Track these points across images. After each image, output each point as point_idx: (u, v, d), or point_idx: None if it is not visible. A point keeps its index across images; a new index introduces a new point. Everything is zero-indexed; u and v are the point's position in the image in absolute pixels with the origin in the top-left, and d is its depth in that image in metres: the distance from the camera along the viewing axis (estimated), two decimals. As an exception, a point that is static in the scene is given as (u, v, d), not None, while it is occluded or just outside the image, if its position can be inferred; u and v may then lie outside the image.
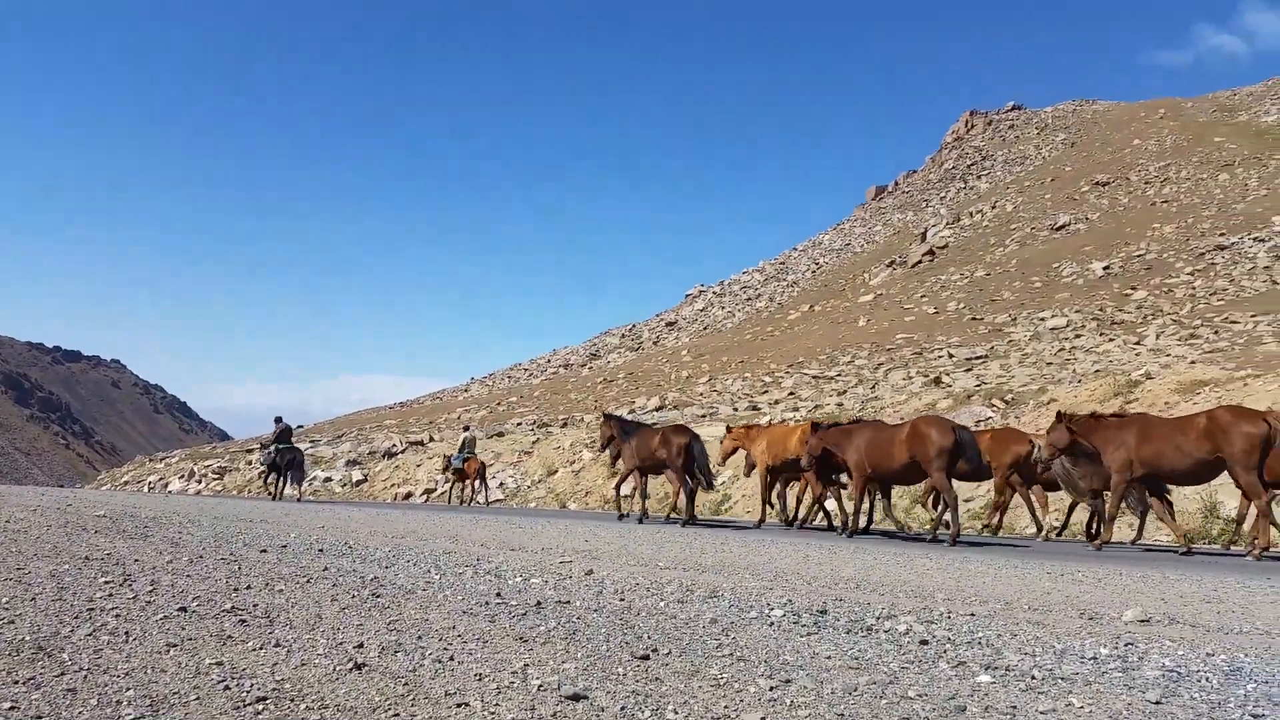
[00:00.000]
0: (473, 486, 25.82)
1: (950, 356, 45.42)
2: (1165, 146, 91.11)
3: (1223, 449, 10.61)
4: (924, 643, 4.85)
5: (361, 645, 4.42)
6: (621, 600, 6.10)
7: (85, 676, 3.65)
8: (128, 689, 3.51)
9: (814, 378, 47.87)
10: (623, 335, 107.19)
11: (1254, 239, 56.73)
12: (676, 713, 3.47)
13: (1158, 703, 3.69)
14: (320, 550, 8.99)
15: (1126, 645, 4.74)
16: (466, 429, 30.88)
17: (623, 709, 3.51)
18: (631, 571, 7.74)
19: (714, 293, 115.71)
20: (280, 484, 26.64)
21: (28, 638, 4.25)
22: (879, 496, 14.99)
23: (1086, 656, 4.51)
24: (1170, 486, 12.30)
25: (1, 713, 3.19)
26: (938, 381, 37.52)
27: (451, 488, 26.93)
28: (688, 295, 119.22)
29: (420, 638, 4.66)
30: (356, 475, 36.00)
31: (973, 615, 5.70)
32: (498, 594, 6.16)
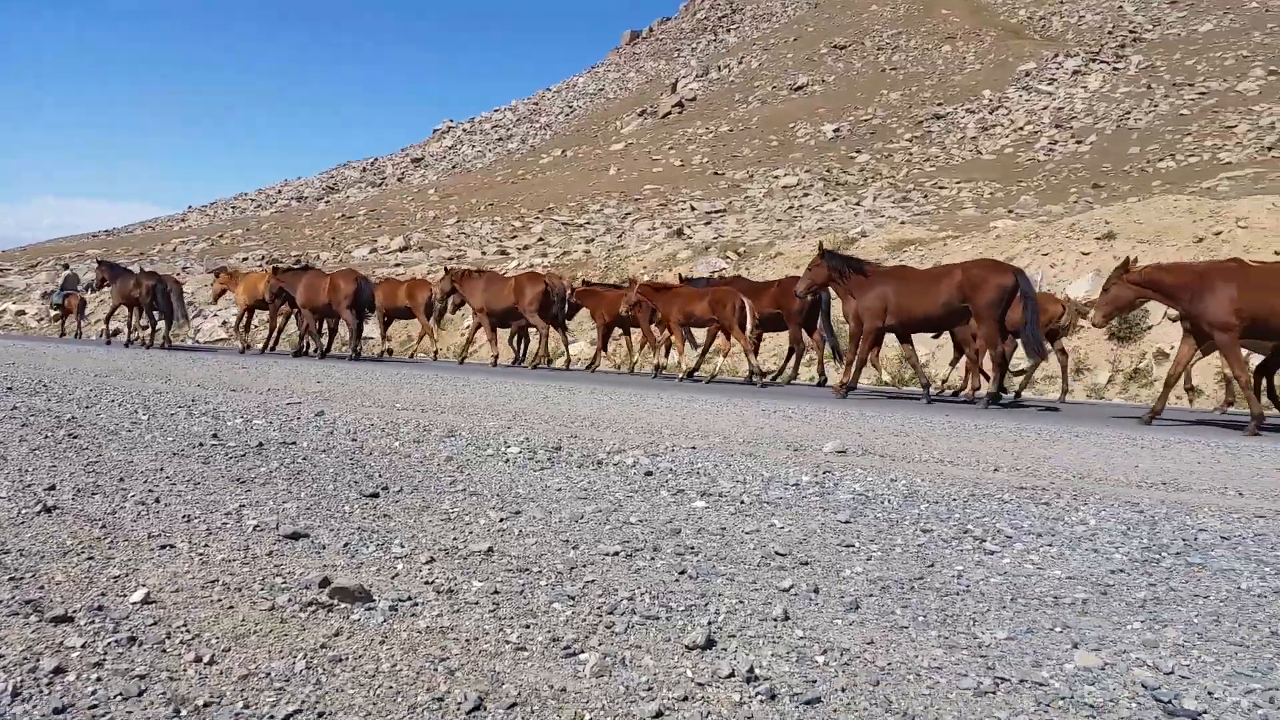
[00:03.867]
0: (77, 321, 27.85)
1: (693, 210, 46.98)
2: (899, 14, 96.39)
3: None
4: (649, 474, 5.11)
5: (53, 488, 4.01)
6: (353, 441, 5.94)
7: None
8: None
9: (564, 224, 47.95)
10: (364, 169, 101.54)
11: (966, 110, 62.19)
12: (403, 546, 3.45)
13: (847, 522, 4.13)
14: (9, 389, 8.01)
15: (825, 473, 5.25)
16: (66, 267, 33.07)
17: (345, 545, 3.44)
18: (367, 413, 7.54)
19: (464, 130, 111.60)
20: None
21: None
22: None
23: (790, 483, 4.95)
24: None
25: None
26: (680, 233, 38.80)
27: (63, 323, 28.42)
28: (436, 131, 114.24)
29: (122, 479, 4.29)
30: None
31: (694, 449, 6.07)
32: (214, 435, 5.79)
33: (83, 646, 2.33)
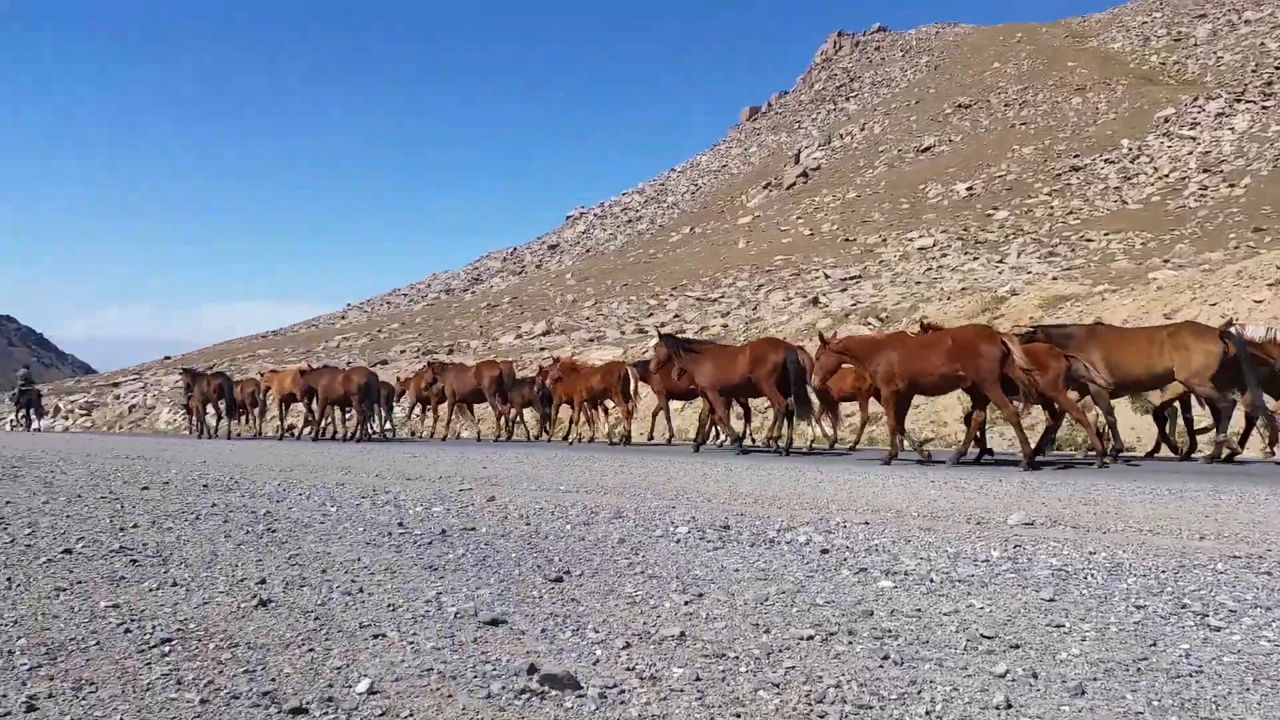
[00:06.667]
0: (28, 414, 33.82)
1: (826, 277, 46.60)
2: (1023, 70, 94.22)
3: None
4: (825, 552, 5.01)
5: (264, 581, 4.26)
6: (528, 525, 6.08)
7: (-37, 630, 3.39)
8: (19, 638, 3.29)
9: (697, 300, 48.41)
10: (504, 259, 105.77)
11: (1105, 160, 59.74)
12: (597, 632, 3.48)
13: (1051, 600, 3.91)
14: (205, 486, 8.62)
15: (1015, 547, 5.01)
16: (27, 367, 37.87)
17: (543, 631, 3.50)
18: (534, 496, 7.71)
19: (595, 214, 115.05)
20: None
21: (-112, 593, 3.91)
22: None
23: (979, 559, 4.75)
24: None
25: None
26: (816, 301, 38.51)
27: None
28: (569, 217, 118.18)
29: (324, 571, 4.53)
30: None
31: (867, 524, 5.92)
32: (400, 524, 6.04)
33: (321, 736, 2.45)
